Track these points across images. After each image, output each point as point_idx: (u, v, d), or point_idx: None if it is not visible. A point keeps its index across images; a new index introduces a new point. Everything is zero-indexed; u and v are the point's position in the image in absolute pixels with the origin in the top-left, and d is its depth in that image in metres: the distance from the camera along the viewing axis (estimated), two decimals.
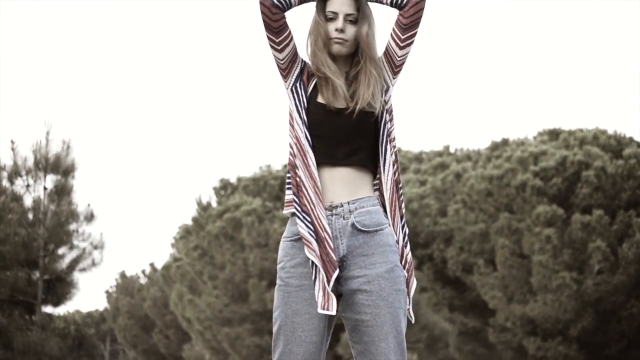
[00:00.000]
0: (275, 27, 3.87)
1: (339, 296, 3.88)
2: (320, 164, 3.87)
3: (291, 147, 3.91)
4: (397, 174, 3.92)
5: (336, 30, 3.86)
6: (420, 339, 26.68)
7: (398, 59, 3.92)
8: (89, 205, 20.15)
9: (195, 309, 28.82)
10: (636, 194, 25.56)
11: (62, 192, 19.66)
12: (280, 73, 3.97)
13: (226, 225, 27.64)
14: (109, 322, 45.88)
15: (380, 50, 3.95)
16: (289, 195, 3.92)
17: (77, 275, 19.89)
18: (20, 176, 19.58)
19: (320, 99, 3.90)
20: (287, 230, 3.94)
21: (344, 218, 3.85)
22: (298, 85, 3.94)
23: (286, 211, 3.93)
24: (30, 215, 19.65)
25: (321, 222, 3.81)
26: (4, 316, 18.67)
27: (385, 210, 3.93)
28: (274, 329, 3.89)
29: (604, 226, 24.77)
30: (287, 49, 3.92)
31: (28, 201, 19.72)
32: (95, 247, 20.06)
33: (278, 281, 3.92)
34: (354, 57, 3.93)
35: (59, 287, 19.55)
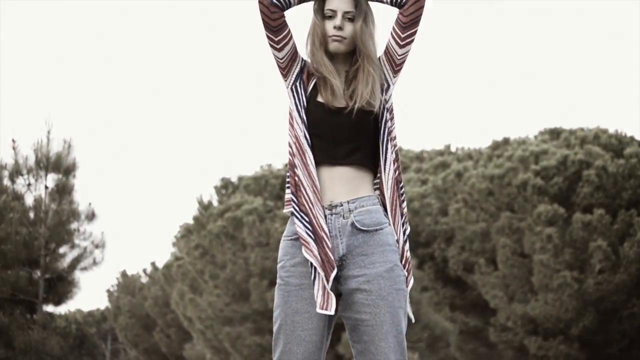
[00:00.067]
0: (274, 26, 3.87)
1: (338, 295, 3.88)
2: (320, 163, 3.87)
3: (290, 147, 3.91)
4: (397, 172, 3.92)
5: (334, 27, 3.86)
6: (421, 338, 26.68)
7: (398, 57, 3.92)
8: (90, 204, 20.17)
9: (197, 308, 28.83)
10: (637, 193, 25.56)
11: (63, 191, 19.67)
12: (280, 72, 3.97)
13: (227, 225, 27.64)
14: (110, 321, 45.86)
15: (380, 49, 3.95)
16: (288, 194, 3.93)
17: (78, 274, 19.91)
18: (22, 175, 19.59)
19: (319, 98, 3.90)
20: (287, 230, 3.94)
21: (343, 217, 3.85)
22: (298, 84, 3.94)
23: (286, 210, 3.93)
24: (32, 214, 19.66)
25: (319, 221, 3.81)
26: (5, 315, 18.69)
27: (385, 210, 3.93)
28: (274, 328, 3.90)
29: (605, 225, 24.76)
30: (287, 48, 3.92)
31: (29, 200, 19.74)
32: (97, 246, 20.08)
33: (278, 280, 3.92)
34: (354, 56, 3.93)
35: (60, 286, 19.56)
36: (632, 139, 27.92)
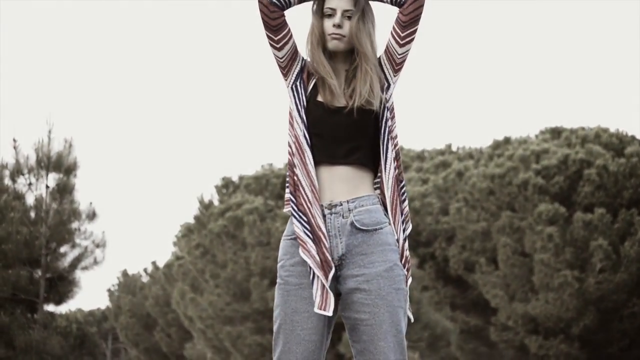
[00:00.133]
0: (274, 25, 3.88)
1: (338, 295, 3.88)
2: (320, 162, 3.87)
3: (290, 146, 3.92)
4: (398, 171, 3.92)
5: (333, 25, 3.87)
6: (421, 338, 26.67)
7: (398, 56, 3.92)
8: (90, 203, 20.17)
9: (197, 308, 28.83)
10: (638, 193, 25.55)
11: (64, 191, 19.68)
12: (281, 71, 3.98)
13: (228, 224, 27.64)
14: (111, 321, 45.86)
15: (380, 49, 3.96)
16: (287, 193, 3.93)
17: (79, 274, 19.92)
18: (23, 174, 19.60)
19: (319, 98, 3.90)
20: (287, 229, 3.95)
21: (343, 217, 3.85)
22: (298, 83, 3.95)
23: (286, 209, 3.94)
24: (33, 214, 19.67)
25: (317, 221, 3.81)
26: (6, 315, 18.69)
27: (386, 209, 3.93)
28: (274, 328, 3.90)
29: (605, 224, 24.76)
30: (286, 47, 3.92)
31: (30, 199, 19.75)
32: (97, 246, 20.09)
33: (278, 280, 3.93)
34: (353, 55, 3.93)
35: (61, 285, 19.57)
36: (633, 138, 27.91)
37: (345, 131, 3.86)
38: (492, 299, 26.70)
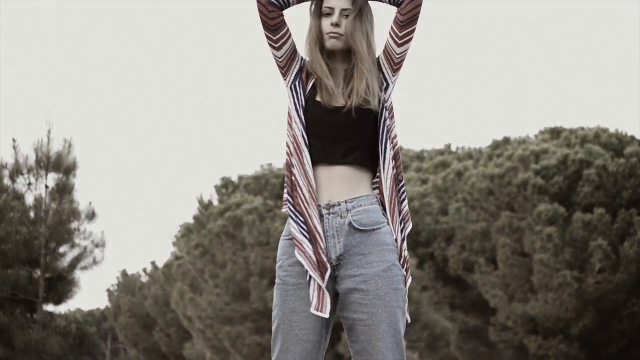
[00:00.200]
0: (272, 25, 3.88)
1: (336, 295, 3.88)
2: (318, 162, 3.87)
3: (288, 146, 3.92)
4: (396, 171, 3.91)
5: (331, 24, 3.86)
6: (421, 338, 26.68)
7: (397, 56, 3.92)
8: (90, 203, 20.19)
9: (196, 308, 28.83)
10: (637, 193, 25.55)
11: (63, 191, 19.68)
12: (280, 71, 3.98)
13: (227, 224, 27.64)
14: (110, 321, 45.87)
15: (380, 48, 3.95)
16: (285, 193, 3.93)
17: (78, 274, 19.92)
18: (22, 174, 19.61)
19: (318, 98, 3.90)
20: (285, 229, 3.95)
21: (341, 217, 3.84)
22: (297, 83, 3.95)
23: (284, 209, 3.94)
24: (32, 214, 19.68)
25: (313, 221, 3.81)
26: (5, 314, 18.70)
27: (384, 209, 3.93)
28: (273, 328, 3.90)
29: (605, 225, 24.76)
30: (285, 47, 3.93)
31: (29, 199, 19.76)
32: (97, 246, 20.10)
33: (276, 280, 3.93)
34: (352, 54, 3.93)
35: (60, 285, 19.57)
36: (632, 138, 27.91)
37: (343, 131, 3.86)
38: (492, 299, 26.70)
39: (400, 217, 3.93)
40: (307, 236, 3.80)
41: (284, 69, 3.96)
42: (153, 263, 40.95)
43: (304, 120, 3.88)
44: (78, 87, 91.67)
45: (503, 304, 26.34)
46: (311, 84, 3.94)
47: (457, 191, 29.28)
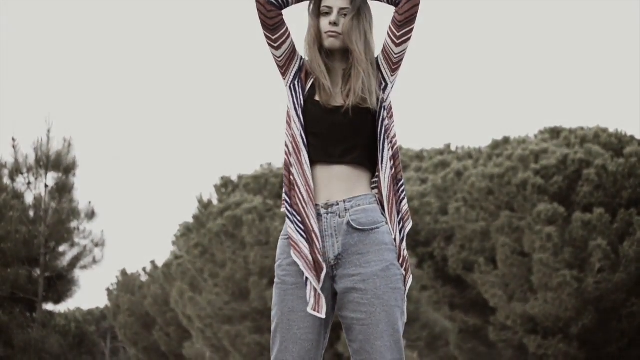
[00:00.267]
0: (271, 25, 3.88)
1: (334, 294, 3.89)
2: (317, 162, 3.87)
3: (287, 146, 3.92)
4: (395, 170, 3.91)
5: (330, 23, 3.87)
6: (420, 337, 26.70)
7: (395, 56, 3.92)
8: (90, 202, 20.21)
9: (196, 307, 28.83)
10: (637, 192, 25.55)
11: (63, 190, 19.70)
12: (279, 70, 3.98)
13: (227, 223, 27.65)
14: (110, 320, 45.86)
15: (379, 48, 3.95)
16: (284, 193, 3.93)
17: (77, 273, 19.95)
18: (22, 174, 19.63)
19: (317, 97, 3.91)
20: (284, 229, 3.95)
21: (339, 216, 3.85)
22: (296, 83, 3.95)
23: (283, 209, 3.94)
24: (32, 213, 19.70)
25: (311, 221, 3.81)
26: (5, 313, 18.71)
27: (383, 208, 3.93)
28: (272, 327, 3.91)
29: (604, 224, 24.76)
30: (284, 47, 3.93)
31: (29, 199, 19.79)
32: (96, 245, 20.11)
33: (275, 279, 3.93)
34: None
35: (60, 284, 19.59)
36: (632, 138, 27.91)
37: (341, 130, 3.86)
38: (491, 299, 26.70)
39: (399, 216, 3.93)
40: (304, 236, 3.80)
41: (283, 69, 3.96)
42: (153, 262, 40.93)
43: (302, 120, 3.88)
44: (78, 86, 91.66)
45: (503, 303, 26.35)
46: (310, 83, 3.94)
47: (456, 191, 29.27)
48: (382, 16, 3.94)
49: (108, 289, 43.63)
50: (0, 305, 18.82)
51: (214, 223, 28.10)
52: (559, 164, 26.07)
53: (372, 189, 3.95)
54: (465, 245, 28.24)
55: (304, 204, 3.82)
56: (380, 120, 3.89)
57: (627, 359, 25.85)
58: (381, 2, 3.92)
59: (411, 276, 3.94)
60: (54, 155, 19.66)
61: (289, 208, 3.86)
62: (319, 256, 3.79)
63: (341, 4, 3.87)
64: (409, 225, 3.96)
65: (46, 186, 19.69)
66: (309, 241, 3.80)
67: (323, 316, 3.79)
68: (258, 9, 3.86)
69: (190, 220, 31.34)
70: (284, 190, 3.91)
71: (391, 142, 3.90)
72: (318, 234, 3.81)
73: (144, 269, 42.12)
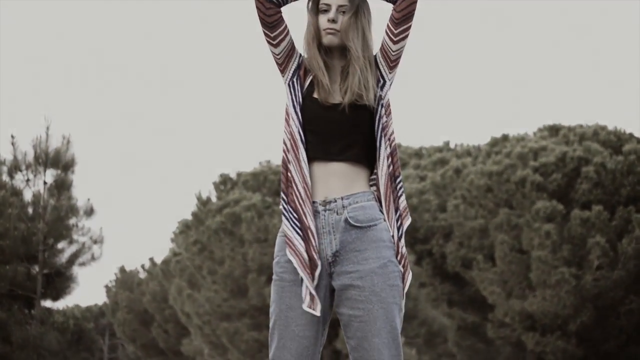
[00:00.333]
0: (270, 22, 3.89)
1: (332, 291, 3.89)
2: (315, 159, 3.87)
3: (285, 143, 3.92)
4: (392, 168, 3.91)
5: (328, 20, 3.87)
6: (418, 334, 26.71)
7: (393, 53, 3.92)
8: (88, 199, 20.22)
9: (194, 304, 28.84)
10: (636, 190, 25.57)
11: (61, 187, 19.70)
12: (278, 68, 3.99)
13: (226, 220, 27.64)
14: (108, 317, 45.83)
15: (377, 45, 3.96)
16: (281, 190, 3.94)
17: (76, 270, 19.95)
18: (20, 171, 19.63)
19: (315, 94, 3.91)
20: (282, 226, 3.95)
21: (337, 213, 3.84)
22: (295, 80, 3.96)
23: (281, 206, 3.94)
24: (30, 210, 19.70)
25: (307, 218, 3.82)
26: (3, 310, 18.72)
27: (381, 205, 3.93)
28: (270, 324, 3.91)
29: (603, 222, 24.78)
30: (283, 44, 3.93)
31: (28, 196, 19.79)
32: (95, 242, 20.12)
33: (274, 276, 3.93)
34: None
35: (58, 281, 19.59)
36: (631, 135, 27.93)
37: (339, 128, 3.86)
38: (490, 296, 26.72)
39: (397, 214, 3.92)
40: (300, 233, 3.81)
41: (282, 66, 3.97)
42: (151, 259, 40.90)
43: (300, 117, 3.88)
44: (77, 83, 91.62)
45: (501, 300, 26.37)
46: (309, 81, 3.94)
47: (455, 188, 29.28)
48: (381, 13, 3.94)
49: (106, 286, 43.62)
50: None
51: (212, 220, 28.10)
52: (558, 161, 26.09)
53: (371, 186, 3.95)
54: (463, 243, 28.25)
55: (301, 201, 3.83)
56: (378, 117, 3.88)
57: (626, 356, 25.89)
58: None
59: (410, 273, 3.94)
60: (53, 152, 19.66)
61: (285, 205, 3.86)
62: (314, 254, 3.79)
63: (340, 1, 3.86)
64: (407, 222, 3.95)
65: (45, 183, 19.69)
66: (305, 238, 3.80)
67: (318, 314, 3.79)
68: (257, 7, 3.86)
69: (189, 217, 31.33)
70: (281, 188, 3.91)
71: (389, 139, 3.90)
72: (314, 231, 3.81)
73: (143, 266, 42.10)
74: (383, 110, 3.90)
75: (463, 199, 27.89)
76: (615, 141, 27.49)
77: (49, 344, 18.80)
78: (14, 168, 19.54)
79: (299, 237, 3.80)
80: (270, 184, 29.95)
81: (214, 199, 30.89)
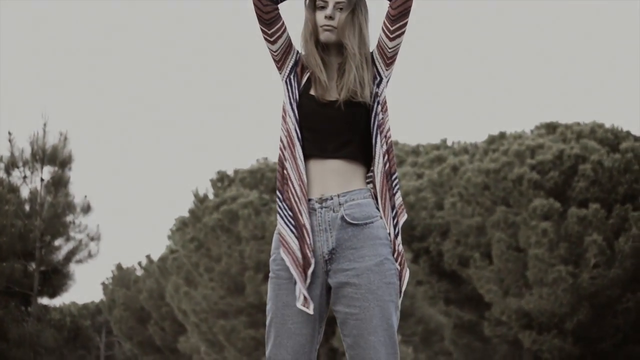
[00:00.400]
0: (267, 19, 3.88)
1: (328, 289, 3.89)
2: (311, 156, 3.87)
3: (281, 140, 3.92)
4: (388, 165, 3.90)
5: (325, 17, 3.87)
6: (415, 332, 26.72)
7: (389, 50, 3.92)
8: (85, 196, 20.18)
9: (191, 301, 28.84)
10: (633, 188, 25.59)
11: (58, 184, 19.68)
12: (275, 65, 3.99)
13: (223, 218, 27.64)
14: (105, 314, 45.86)
15: (373, 42, 3.95)
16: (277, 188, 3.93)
17: (73, 267, 19.92)
18: (17, 167, 19.60)
19: (312, 91, 3.91)
20: (277, 224, 3.95)
21: (333, 211, 3.84)
22: (292, 77, 3.95)
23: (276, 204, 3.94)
24: (27, 207, 19.67)
25: (302, 216, 3.81)
26: (0, 307, 18.69)
27: (377, 203, 3.93)
28: (267, 322, 3.90)
29: (600, 220, 24.79)
30: (280, 41, 3.93)
31: (25, 192, 19.76)
32: (92, 239, 20.09)
33: (270, 274, 3.93)
34: None
35: (55, 278, 19.57)
36: (628, 133, 27.95)
37: (335, 125, 3.86)
38: (486, 294, 26.73)
39: (394, 211, 3.92)
40: (294, 232, 3.81)
41: (280, 63, 3.96)
42: (148, 256, 40.94)
43: (297, 114, 3.88)
44: (74, 80, 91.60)
45: (498, 298, 26.38)
46: (306, 77, 3.94)
47: (452, 186, 29.29)
48: (378, 10, 3.94)
49: (103, 283, 43.64)
50: None
51: (209, 217, 28.10)
52: (555, 159, 26.10)
53: (368, 183, 3.95)
54: (460, 241, 28.26)
55: (296, 198, 3.82)
56: (374, 114, 3.88)
57: (622, 354, 25.91)
58: None
59: (408, 270, 3.93)
60: (50, 149, 19.64)
61: (280, 203, 3.86)
62: (308, 252, 3.78)
63: None
64: (403, 219, 3.95)
65: (42, 180, 19.67)
66: (299, 236, 3.80)
67: (311, 312, 3.79)
68: (254, 4, 3.86)
69: (186, 214, 31.34)
70: (277, 185, 3.91)
71: (385, 136, 3.90)
72: (309, 229, 3.81)
73: (140, 263, 42.13)
74: (379, 107, 3.90)
75: (460, 197, 27.89)
76: (613, 139, 27.51)
77: (45, 341, 18.79)
78: (11, 165, 19.52)
79: (292, 236, 3.80)
80: (267, 182, 29.96)
81: (211, 196, 30.89)
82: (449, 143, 36.97)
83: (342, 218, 3.83)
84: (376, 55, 3.95)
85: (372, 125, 3.88)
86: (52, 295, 19.94)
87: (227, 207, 27.79)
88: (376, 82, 3.93)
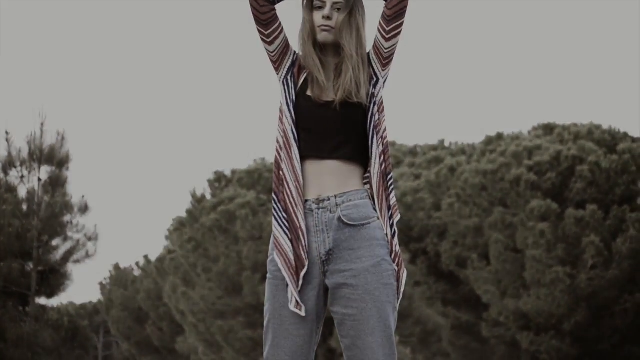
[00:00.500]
0: (264, 20, 3.88)
1: (326, 290, 3.89)
2: (308, 157, 3.87)
3: (278, 141, 3.92)
4: (384, 166, 3.90)
5: (323, 17, 3.86)
6: (413, 333, 26.69)
7: (385, 51, 3.91)
8: (83, 196, 20.14)
9: (189, 302, 28.82)
10: (630, 189, 25.60)
11: (56, 184, 19.65)
12: (272, 65, 3.98)
13: (220, 218, 27.63)
14: (103, 314, 45.83)
15: (369, 43, 3.95)
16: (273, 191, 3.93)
17: (71, 267, 19.88)
18: (15, 167, 19.57)
19: (309, 92, 3.91)
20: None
21: (330, 212, 3.84)
22: (289, 77, 3.95)
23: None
24: (25, 207, 19.64)
25: (298, 218, 3.81)
26: None
27: (374, 203, 3.92)
28: (265, 322, 3.90)
29: (597, 221, 24.80)
30: (277, 42, 3.93)
31: (22, 192, 19.72)
32: (90, 239, 20.05)
33: (268, 274, 3.93)
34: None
35: (53, 278, 19.53)
36: (625, 134, 27.96)
37: (332, 125, 3.85)
38: (484, 295, 26.73)
39: (390, 212, 3.92)
40: (288, 234, 3.80)
41: (277, 64, 3.96)
42: (146, 257, 40.88)
43: (294, 115, 3.88)
44: (71, 80, 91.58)
45: (495, 299, 26.38)
46: (303, 78, 3.94)
47: (450, 187, 29.28)
48: (375, 10, 3.94)
49: (101, 283, 43.58)
50: None
51: (207, 218, 28.09)
52: (553, 160, 26.11)
53: (365, 184, 3.95)
54: (458, 241, 28.26)
55: (291, 200, 3.82)
56: (370, 115, 3.88)
57: (620, 355, 25.91)
58: None
59: (405, 271, 3.93)
60: (48, 148, 19.60)
61: (275, 205, 3.86)
62: (303, 253, 3.78)
63: None
64: (396, 218, 3.95)
65: (39, 180, 19.63)
66: (294, 238, 3.80)
67: (303, 314, 3.79)
68: (251, 4, 3.86)
69: (184, 214, 31.31)
70: (273, 186, 3.90)
71: (381, 137, 3.90)
72: (304, 231, 3.80)
73: (137, 264, 42.10)
74: (375, 108, 3.90)
75: (457, 198, 27.89)
76: (610, 140, 27.52)
77: (43, 341, 18.76)
78: (9, 164, 19.47)
79: (286, 238, 3.80)
80: (264, 182, 29.95)
81: (208, 197, 30.88)
82: (446, 144, 36.98)
83: (339, 219, 3.83)
84: (372, 56, 3.94)
85: (368, 125, 3.88)
86: (50, 295, 19.91)
87: (225, 207, 27.78)
88: (372, 82, 3.92)
